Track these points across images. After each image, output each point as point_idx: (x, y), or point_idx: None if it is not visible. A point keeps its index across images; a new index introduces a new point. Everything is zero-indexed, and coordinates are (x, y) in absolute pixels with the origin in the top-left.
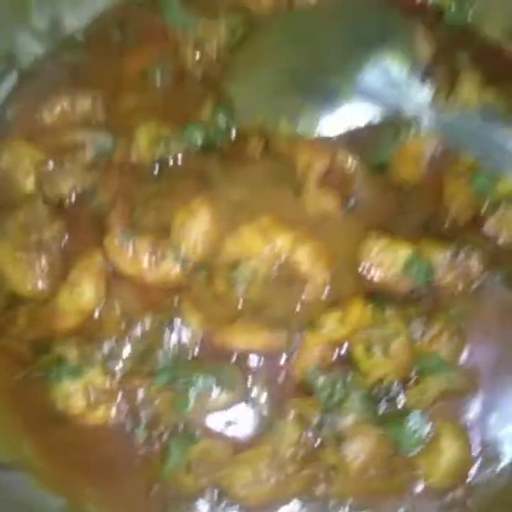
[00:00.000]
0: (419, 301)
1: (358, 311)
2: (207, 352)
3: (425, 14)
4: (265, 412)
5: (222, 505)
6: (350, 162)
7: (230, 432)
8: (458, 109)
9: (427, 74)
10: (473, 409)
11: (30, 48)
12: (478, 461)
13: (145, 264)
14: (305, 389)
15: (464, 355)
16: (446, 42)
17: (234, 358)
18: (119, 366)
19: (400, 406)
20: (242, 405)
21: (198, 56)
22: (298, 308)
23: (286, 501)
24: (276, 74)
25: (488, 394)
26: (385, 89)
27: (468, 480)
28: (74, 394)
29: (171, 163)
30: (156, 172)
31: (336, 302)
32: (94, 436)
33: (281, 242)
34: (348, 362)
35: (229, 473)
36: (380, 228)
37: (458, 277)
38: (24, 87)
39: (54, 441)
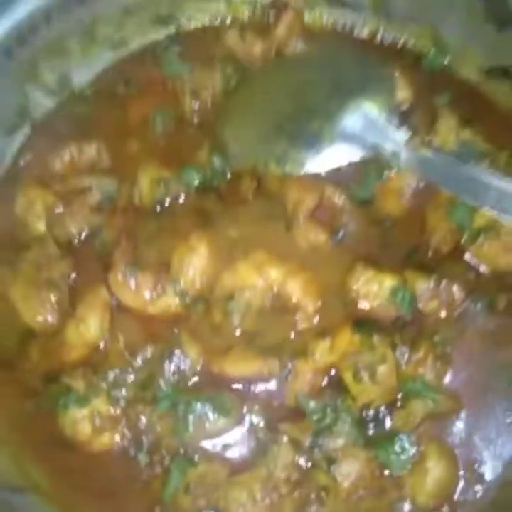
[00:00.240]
0: (404, 327)
1: (347, 338)
2: (205, 379)
3: (404, 58)
4: (260, 436)
5: None
6: (338, 198)
7: (227, 455)
8: (435, 148)
9: (405, 116)
10: (458, 430)
11: (42, 102)
12: (463, 481)
13: (147, 297)
14: (297, 413)
15: (447, 379)
16: (425, 85)
17: (230, 385)
18: (122, 394)
19: (387, 428)
20: (238, 430)
21: (194, 104)
22: (290, 337)
23: None
24: (264, 119)
25: (471, 415)
26: (364, 132)
27: (454, 499)
28: (81, 421)
29: (171, 202)
30: (157, 211)
31: (325, 330)
32: (99, 460)
33: (274, 274)
34: (337, 387)
35: (225, 495)
36: (367, 259)
37: (441, 305)
38: (36, 137)
39: (61, 466)
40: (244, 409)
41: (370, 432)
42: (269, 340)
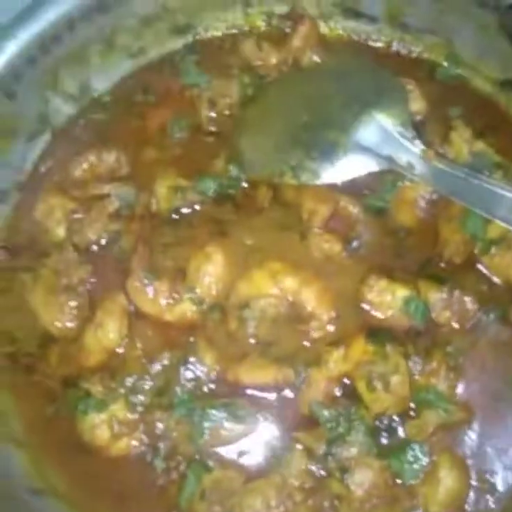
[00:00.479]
0: (417, 337)
1: (360, 348)
2: (220, 387)
3: (418, 69)
4: (274, 444)
5: None
6: (352, 208)
7: (242, 462)
8: (449, 160)
9: (419, 127)
10: (470, 440)
11: (62, 109)
12: (475, 491)
13: (163, 304)
14: (311, 422)
15: (460, 389)
16: (438, 96)
17: (245, 393)
18: (140, 400)
19: (400, 438)
20: (253, 437)
21: (212, 113)
22: (304, 346)
23: None
24: (281, 129)
25: (483, 426)
26: (379, 143)
27: (465, 508)
28: (99, 426)
29: (188, 211)
30: (173, 219)
31: (339, 339)
32: (116, 465)
33: (289, 283)
34: (351, 396)
35: (240, 502)
36: (381, 269)
37: (454, 315)
38: (56, 144)
39: (79, 470)
40: (259, 417)
41: (384, 441)
42: (284, 348)
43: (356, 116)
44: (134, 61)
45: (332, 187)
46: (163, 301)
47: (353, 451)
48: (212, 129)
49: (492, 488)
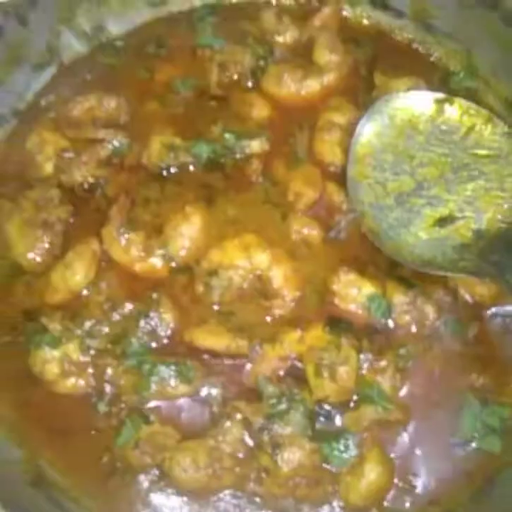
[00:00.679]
0: (373, 335)
1: (317, 334)
2: (174, 345)
3: (434, 73)
4: (214, 409)
5: (161, 484)
6: (337, 197)
7: (180, 420)
8: None
9: None
10: (402, 441)
11: (73, 45)
12: (396, 489)
13: (135, 255)
14: (254, 395)
15: (403, 392)
16: None
17: (197, 355)
18: (94, 344)
19: (336, 426)
20: (196, 399)
21: (220, 77)
22: (263, 321)
23: (218, 491)
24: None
25: (417, 430)
26: None
27: (383, 504)
28: (50, 361)
29: (178, 171)
30: (162, 176)
31: (298, 321)
32: (60, 401)
33: (260, 258)
34: (297, 378)
35: (171, 457)
36: (354, 262)
37: (413, 320)
38: (60, 80)
39: (23, 397)
40: (206, 381)
41: (319, 426)
42: (243, 320)
43: None
44: (154, 11)
45: (323, 174)
46: (134, 253)
47: (288, 429)
48: (218, 93)
49: (412, 491)
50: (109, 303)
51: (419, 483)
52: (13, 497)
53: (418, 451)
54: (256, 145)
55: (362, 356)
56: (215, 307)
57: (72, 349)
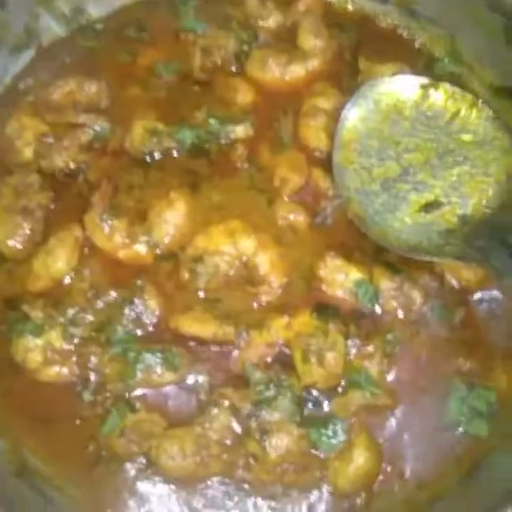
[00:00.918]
0: (360, 320)
1: (304, 320)
2: (160, 333)
3: (418, 60)
4: (201, 397)
5: (148, 472)
6: (323, 182)
7: (166, 408)
8: None
9: None
10: (389, 426)
11: (52, 28)
12: (384, 474)
13: (118, 242)
14: (241, 381)
15: (390, 377)
16: None
17: (183, 343)
18: (78, 332)
19: (324, 412)
20: (182, 386)
21: (204, 62)
22: (250, 308)
23: (206, 479)
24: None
25: (405, 415)
26: None
27: (372, 489)
28: (33, 350)
29: (161, 157)
30: (145, 162)
31: (285, 308)
32: (43, 390)
33: (246, 244)
34: (285, 364)
35: (158, 445)
36: (340, 248)
37: (400, 306)
38: (40, 63)
39: (4, 385)
40: (192, 368)
41: (307, 412)
42: (230, 307)
43: None
44: None
45: (309, 159)
46: (118, 239)
47: (276, 415)
48: (202, 77)
49: (400, 475)
50: (92, 290)
51: (407, 468)
52: None
53: (406, 436)
54: (240, 130)
55: (349, 342)
56: (201, 294)
57: (54, 337)
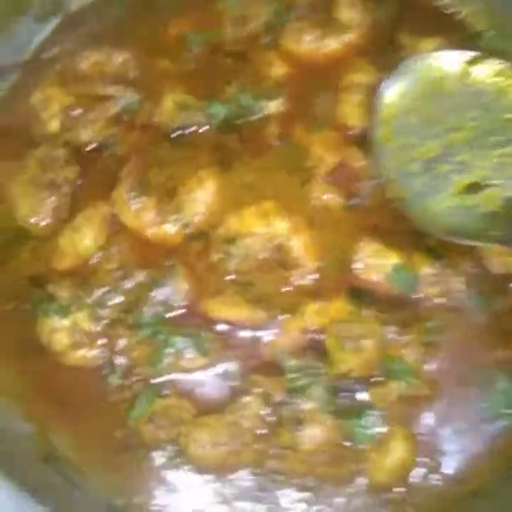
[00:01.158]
0: (398, 307)
1: (339, 305)
2: (190, 316)
3: (461, 32)
4: (233, 383)
5: (177, 460)
6: (360, 163)
7: (197, 394)
8: None
9: None
10: (427, 418)
11: None
12: (422, 467)
13: (147, 220)
14: (273, 368)
15: (429, 366)
16: None
17: (213, 327)
18: (105, 314)
19: (358, 401)
20: (213, 372)
21: (235, 33)
22: (282, 292)
23: (236, 469)
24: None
25: (443, 406)
26: None
27: (408, 482)
28: (59, 331)
29: (191, 132)
30: (175, 137)
31: (319, 292)
32: (70, 374)
33: (280, 226)
34: (319, 351)
35: (188, 432)
36: (377, 231)
37: (440, 293)
38: (66, 32)
39: (30, 368)
40: (223, 353)
41: (342, 402)
42: (262, 291)
43: None
44: None
45: (345, 138)
46: (147, 217)
47: (310, 405)
48: (233, 49)
49: (438, 469)
50: (120, 270)
51: (445, 461)
52: (21, 472)
53: (444, 428)
54: (274, 106)
55: (386, 329)
56: (232, 277)
57: (82, 318)
